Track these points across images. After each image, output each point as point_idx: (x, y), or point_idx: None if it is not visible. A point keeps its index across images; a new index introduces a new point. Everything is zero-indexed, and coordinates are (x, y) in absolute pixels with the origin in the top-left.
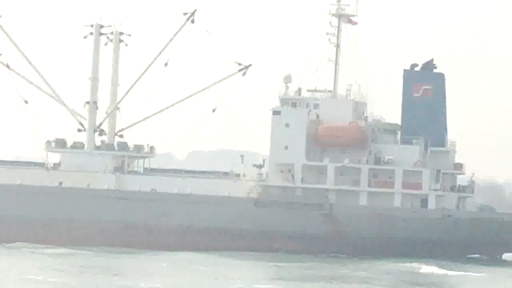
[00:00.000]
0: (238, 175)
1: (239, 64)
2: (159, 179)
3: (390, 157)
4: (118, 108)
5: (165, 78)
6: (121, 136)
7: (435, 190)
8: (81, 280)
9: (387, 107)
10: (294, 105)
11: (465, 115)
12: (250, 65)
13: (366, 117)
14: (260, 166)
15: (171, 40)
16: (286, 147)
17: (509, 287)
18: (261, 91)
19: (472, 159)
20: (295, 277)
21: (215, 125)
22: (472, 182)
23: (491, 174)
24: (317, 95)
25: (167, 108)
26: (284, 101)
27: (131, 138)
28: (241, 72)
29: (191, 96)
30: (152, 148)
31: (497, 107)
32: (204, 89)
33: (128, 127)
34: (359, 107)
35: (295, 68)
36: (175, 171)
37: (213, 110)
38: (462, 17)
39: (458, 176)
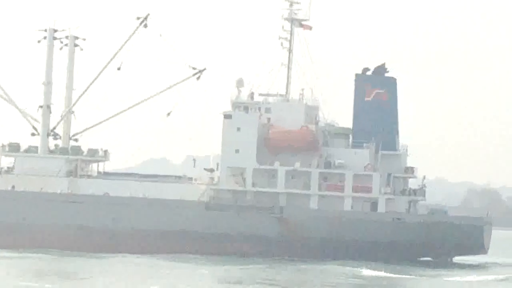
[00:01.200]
0: (190, 179)
1: (194, 68)
2: (112, 182)
3: (341, 161)
4: (73, 112)
5: (120, 82)
6: (76, 140)
7: (385, 193)
8: (33, 284)
9: (340, 111)
10: (246, 109)
11: (417, 118)
12: (204, 69)
13: (318, 121)
14: (211, 170)
15: (124, 44)
16: (237, 151)
17: None
18: (216, 95)
19: (424, 162)
20: (234, 280)
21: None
22: (424, 185)
23: (487, 179)
24: (270, 99)
25: (122, 112)
26: (236, 105)
27: (87, 142)
28: (196, 76)
29: (145, 100)
30: (106, 152)
31: (448, 111)
32: (158, 93)
33: (83, 131)
34: (311, 111)
35: (249, 72)
36: (128, 174)
37: (168, 114)
38: (413, 22)
39: (410, 179)
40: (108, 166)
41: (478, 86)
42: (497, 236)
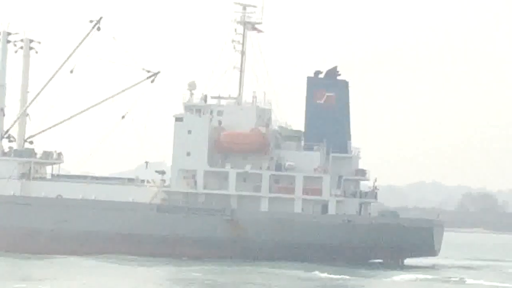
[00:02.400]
0: (143, 181)
1: (148, 71)
2: (64, 185)
3: (291, 163)
4: (28, 115)
5: (74, 85)
6: (31, 142)
7: (336, 195)
8: None
9: (293, 114)
10: (198, 111)
11: (370, 121)
12: (158, 72)
13: (268, 123)
14: (163, 172)
15: (76, 47)
16: (189, 154)
17: None
18: (170, 97)
19: (375, 165)
20: (180, 281)
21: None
22: (375, 187)
23: (484, 184)
24: (222, 102)
25: (76, 114)
26: (188, 108)
27: (42, 145)
28: (150, 79)
29: (100, 103)
30: (60, 154)
31: (400, 114)
32: (113, 96)
33: (38, 133)
34: (263, 114)
35: (202, 75)
36: (80, 177)
37: (123, 117)
38: (366, 25)
39: (362, 182)
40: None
41: (476, 88)
42: (489, 240)
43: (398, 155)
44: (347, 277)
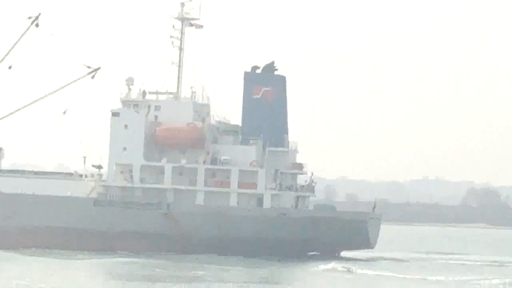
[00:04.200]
0: (81, 175)
1: (88, 67)
2: (4, 180)
3: (227, 158)
4: None
5: (13, 81)
6: None
7: (271, 189)
8: None
9: (232, 109)
10: (136, 106)
11: (308, 116)
12: (99, 68)
13: (204, 118)
14: (100, 167)
15: (15, 44)
16: (125, 148)
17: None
18: (109, 93)
19: (311, 159)
20: (113, 276)
21: None
22: (312, 181)
23: (487, 179)
24: (160, 97)
25: (17, 110)
26: (125, 103)
27: None
28: (90, 75)
29: (41, 98)
30: (0, 150)
31: (340, 109)
32: (53, 91)
33: None
34: (201, 109)
35: (142, 71)
36: (20, 172)
37: (64, 112)
38: (304, 21)
39: (299, 175)
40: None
41: (479, 85)
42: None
43: (391, 150)
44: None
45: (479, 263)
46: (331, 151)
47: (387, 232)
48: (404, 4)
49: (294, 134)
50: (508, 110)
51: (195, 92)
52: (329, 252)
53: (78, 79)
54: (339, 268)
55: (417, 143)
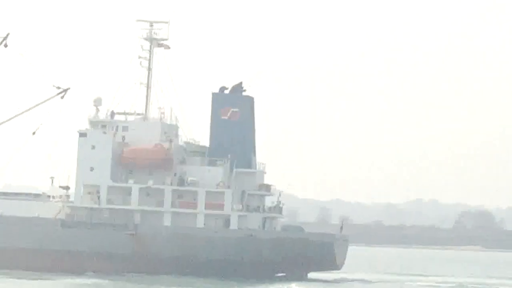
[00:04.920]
0: (49, 196)
1: (58, 87)
2: None
3: (193, 179)
4: None
5: None
6: None
7: (237, 210)
8: None
9: (200, 129)
10: (104, 127)
11: (275, 136)
12: (68, 88)
13: (171, 139)
14: (67, 188)
15: None
16: (92, 169)
17: None
18: (78, 113)
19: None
20: None
21: None
22: (279, 202)
23: (481, 201)
24: (129, 118)
25: None
26: (93, 123)
27: None
28: (60, 95)
29: (10, 119)
30: None
31: (308, 128)
32: (23, 112)
33: None
34: (169, 130)
35: (111, 92)
36: None
37: (33, 133)
38: (272, 41)
39: (267, 197)
40: None
41: (474, 106)
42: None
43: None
44: None
45: (444, 285)
46: (323, 172)
47: (363, 253)
48: (375, 24)
49: (263, 155)
50: (503, 132)
51: (163, 113)
52: (297, 274)
53: (48, 99)
54: None
55: (411, 165)
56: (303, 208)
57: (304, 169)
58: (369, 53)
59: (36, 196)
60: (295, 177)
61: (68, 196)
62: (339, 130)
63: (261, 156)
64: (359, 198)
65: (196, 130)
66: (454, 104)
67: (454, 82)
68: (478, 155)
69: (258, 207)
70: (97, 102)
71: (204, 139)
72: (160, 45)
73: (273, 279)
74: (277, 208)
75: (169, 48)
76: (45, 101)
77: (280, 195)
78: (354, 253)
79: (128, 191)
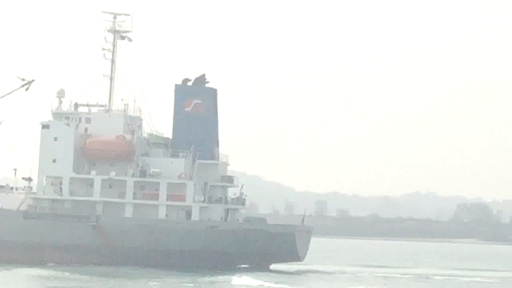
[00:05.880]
0: (12, 188)
1: (22, 79)
2: None
3: (155, 170)
4: None
5: None
6: None
7: (199, 202)
8: None
9: (165, 121)
10: (67, 119)
11: (238, 128)
12: (33, 80)
13: (134, 131)
14: (29, 179)
15: None
16: (55, 160)
17: None
18: (42, 105)
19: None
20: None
21: None
22: (242, 194)
23: (478, 194)
24: (93, 109)
25: None
26: (56, 115)
27: None
28: (24, 87)
29: None
30: None
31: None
32: None
33: None
34: (132, 122)
35: (75, 83)
36: None
37: None
38: (236, 33)
39: (230, 188)
40: None
41: (471, 101)
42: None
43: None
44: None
45: (407, 276)
46: (323, 165)
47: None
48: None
49: (226, 146)
50: (500, 125)
51: (127, 105)
52: (259, 265)
53: (12, 91)
54: (252, 283)
55: (408, 158)
56: (300, 201)
57: (301, 162)
58: (357, 46)
59: (0, 187)
60: (292, 170)
61: (30, 187)
62: (337, 124)
63: (224, 147)
64: (356, 191)
65: (160, 122)
66: (452, 99)
67: (452, 79)
68: (475, 148)
69: (221, 198)
70: (60, 94)
71: (167, 131)
72: (123, 38)
73: (235, 270)
74: (240, 200)
75: (131, 40)
76: (9, 93)
77: (242, 186)
78: (329, 246)
79: (91, 183)
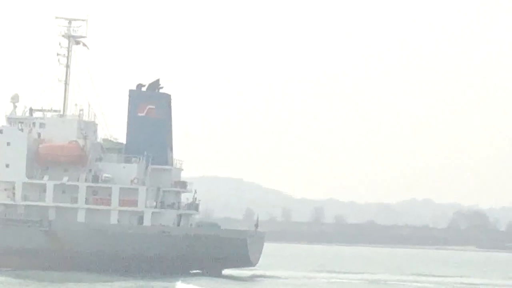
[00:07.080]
0: None
1: None
2: None
3: (108, 175)
4: None
5: None
6: None
7: (151, 207)
8: None
9: (119, 126)
10: (21, 124)
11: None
12: None
13: (86, 135)
14: None
15: None
16: (8, 165)
17: None
18: None
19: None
20: None
21: None
22: (195, 199)
23: (475, 201)
24: (47, 114)
25: None
26: (10, 120)
27: None
28: None
29: None
30: None
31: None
32: None
33: None
34: (87, 127)
35: (29, 88)
36: None
37: None
38: (191, 38)
39: (183, 193)
40: None
41: (468, 108)
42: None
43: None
44: None
45: (359, 281)
46: (321, 172)
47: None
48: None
49: (179, 152)
50: (497, 133)
51: (82, 110)
52: (211, 270)
53: None
54: None
55: (405, 165)
56: (298, 207)
57: (299, 169)
58: (353, 45)
59: None
60: (290, 177)
61: None
62: (335, 132)
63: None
64: (353, 198)
65: (115, 127)
66: (449, 107)
67: (450, 85)
68: (473, 155)
69: (174, 203)
70: (15, 99)
71: (122, 136)
72: (77, 43)
73: (187, 275)
74: (193, 205)
75: (86, 46)
76: None
77: (195, 192)
78: (291, 251)
79: (43, 188)
